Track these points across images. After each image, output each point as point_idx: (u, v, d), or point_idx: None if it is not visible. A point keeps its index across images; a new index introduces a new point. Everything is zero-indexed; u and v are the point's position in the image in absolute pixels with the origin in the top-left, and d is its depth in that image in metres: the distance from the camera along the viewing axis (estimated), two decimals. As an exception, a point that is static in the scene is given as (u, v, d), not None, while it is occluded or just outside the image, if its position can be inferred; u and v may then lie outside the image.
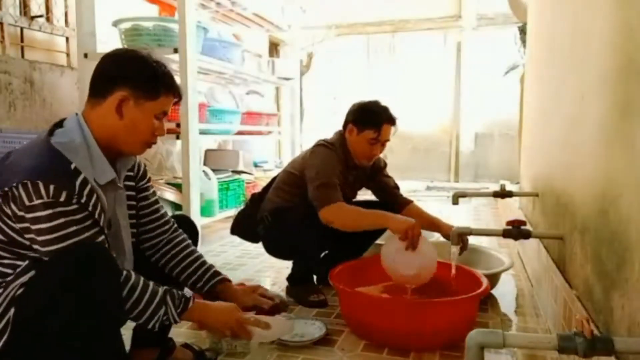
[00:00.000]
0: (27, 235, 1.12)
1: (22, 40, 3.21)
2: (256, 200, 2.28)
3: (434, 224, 2.25)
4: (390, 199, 2.34)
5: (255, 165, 5.38)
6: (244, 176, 4.24)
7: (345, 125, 2.17)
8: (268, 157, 5.72)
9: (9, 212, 1.11)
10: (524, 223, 1.82)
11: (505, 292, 2.28)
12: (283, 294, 2.21)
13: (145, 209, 1.45)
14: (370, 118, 2.09)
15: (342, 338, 1.76)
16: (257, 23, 4.67)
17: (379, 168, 2.35)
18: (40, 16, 3.25)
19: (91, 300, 1.07)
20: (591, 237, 1.35)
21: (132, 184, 1.42)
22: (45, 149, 1.14)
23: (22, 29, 3.20)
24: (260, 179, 4.27)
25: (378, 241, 2.40)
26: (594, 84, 1.41)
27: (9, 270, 1.15)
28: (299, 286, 2.17)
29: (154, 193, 1.49)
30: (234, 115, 3.78)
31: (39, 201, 1.07)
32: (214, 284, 1.48)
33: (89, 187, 1.15)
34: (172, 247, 1.48)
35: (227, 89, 4.22)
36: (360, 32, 7.57)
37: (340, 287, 1.80)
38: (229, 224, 2.38)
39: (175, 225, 1.52)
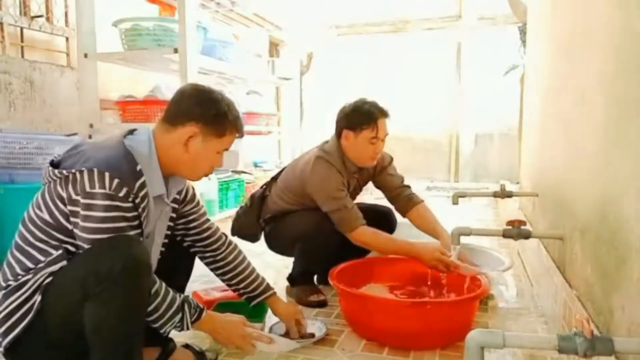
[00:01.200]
0: (72, 219, 1.16)
1: (22, 40, 3.21)
2: (257, 200, 2.27)
3: (435, 232, 2.16)
4: (393, 199, 2.28)
5: (255, 165, 5.38)
6: (244, 176, 4.24)
7: (339, 133, 2.11)
8: (268, 157, 5.72)
9: (63, 194, 1.16)
10: (524, 223, 1.82)
11: (505, 292, 2.28)
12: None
13: (197, 228, 1.57)
14: (363, 117, 2.04)
15: (342, 338, 1.76)
16: (257, 23, 4.68)
17: (383, 167, 2.27)
18: (40, 16, 3.25)
19: (124, 296, 1.12)
20: (591, 237, 1.35)
21: (176, 206, 1.49)
22: (118, 146, 1.22)
23: (22, 29, 3.19)
24: (260, 179, 4.27)
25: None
26: (594, 84, 1.41)
27: (40, 257, 1.18)
28: (299, 286, 2.17)
29: (204, 214, 1.60)
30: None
31: (100, 190, 1.13)
32: (264, 298, 1.67)
33: (145, 190, 1.23)
34: (226, 262, 1.61)
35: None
36: (360, 32, 7.57)
37: (341, 287, 1.80)
38: (229, 224, 2.37)
39: (229, 240, 1.65)
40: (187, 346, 1.58)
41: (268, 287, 1.67)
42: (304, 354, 1.63)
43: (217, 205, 3.64)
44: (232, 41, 3.79)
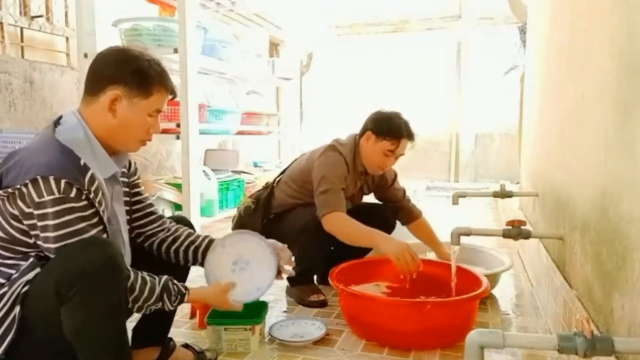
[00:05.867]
0: (32, 232, 1.12)
1: (22, 40, 3.21)
2: (263, 202, 2.25)
3: (434, 244, 2.33)
4: (396, 210, 2.36)
5: (255, 165, 5.38)
6: (244, 176, 4.24)
7: (363, 131, 2.15)
8: (268, 157, 5.71)
9: (14, 211, 1.11)
10: (524, 223, 1.82)
11: (505, 292, 2.28)
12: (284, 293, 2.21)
13: (140, 203, 1.46)
14: (391, 130, 2.07)
15: (342, 338, 1.76)
16: (257, 23, 4.68)
17: (388, 181, 2.34)
18: (40, 16, 3.25)
19: (99, 298, 1.08)
20: (591, 237, 1.35)
21: (126, 180, 1.42)
22: (53, 145, 1.14)
23: (22, 29, 3.20)
24: (260, 179, 4.27)
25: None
26: (594, 84, 1.41)
27: (11, 271, 1.14)
28: (299, 286, 2.17)
29: (143, 188, 1.51)
30: (234, 115, 3.78)
31: (50, 197, 1.07)
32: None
33: (96, 183, 1.16)
34: (171, 233, 1.49)
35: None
36: (360, 32, 7.57)
37: (340, 287, 1.80)
38: (229, 224, 2.37)
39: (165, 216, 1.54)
40: (187, 346, 1.58)
41: (212, 240, 1.53)
42: (304, 354, 1.63)
43: (217, 205, 3.64)
44: (232, 41, 3.79)
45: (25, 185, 1.07)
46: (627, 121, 1.09)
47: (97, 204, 1.16)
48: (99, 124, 1.22)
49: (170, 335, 1.54)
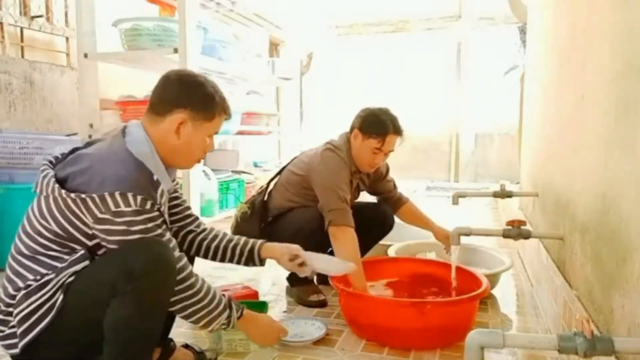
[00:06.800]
0: (100, 235, 1.17)
1: (22, 40, 3.22)
2: (259, 205, 2.24)
3: (428, 225, 2.34)
4: (384, 199, 2.39)
5: (255, 165, 5.37)
6: (244, 176, 4.24)
7: (351, 129, 2.14)
8: (268, 157, 5.71)
9: (84, 216, 1.16)
10: (524, 223, 1.82)
11: (505, 292, 2.28)
12: (283, 293, 2.22)
13: (179, 207, 1.56)
14: (376, 126, 2.05)
15: (342, 338, 1.76)
16: (257, 23, 4.68)
17: (382, 175, 2.34)
18: (40, 16, 3.25)
19: (151, 297, 1.16)
20: (591, 237, 1.35)
21: (172, 192, 1.52)
22: (127, 157, 1.22)
23: (22, 29, 3.20)
24: (260, 179, 4.27)
25: (382, 242, 2.40)
26: (594, 84, 1.41)
27: (55, 263, 1.19)
28: (299, 286, 2.17)
29: (181, 192, 1.62)
30: (234, 115, 3.77)
31: (128, 209, 1.15)
32: (260, 247, 1.61)
33: (165, 197, 1.28)
34: (211, 239, 1.59)
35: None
36: (360, 32, 7.57)
37: (340, 287, 1.80)
38: (229, 224, 2.37)
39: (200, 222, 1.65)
40: (187, 346, 1.58)
41: (255, 240, 1.64)
42: (304, 354, 1.63)
43: (217, 205, 3.64)
44: (232, 41, 3.79)
45: (102, 197, 1.13)
46: (627, 121, 1.09)
47: (163, 212, 1.26)
48: (163, 143, 1.30)
49: (170, 335, 1.54)
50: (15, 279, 1.20)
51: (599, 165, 1.31)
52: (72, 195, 1.15)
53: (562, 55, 1.94)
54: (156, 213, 1.21)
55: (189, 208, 1.59)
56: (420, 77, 7.29)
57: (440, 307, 1.72)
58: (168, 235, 1.25)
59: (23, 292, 1.17)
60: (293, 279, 2.21)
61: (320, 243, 2.07)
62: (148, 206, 1.18)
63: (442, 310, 1.71)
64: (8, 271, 1.22)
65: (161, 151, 1.30)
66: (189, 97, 1.29)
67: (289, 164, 2.31)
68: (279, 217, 2.15)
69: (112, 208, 1.14)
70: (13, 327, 1.18)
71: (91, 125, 3.16)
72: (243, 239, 1.63)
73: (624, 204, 1.09)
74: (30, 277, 1.18)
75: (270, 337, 1.54)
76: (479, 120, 7.13)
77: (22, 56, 3.20)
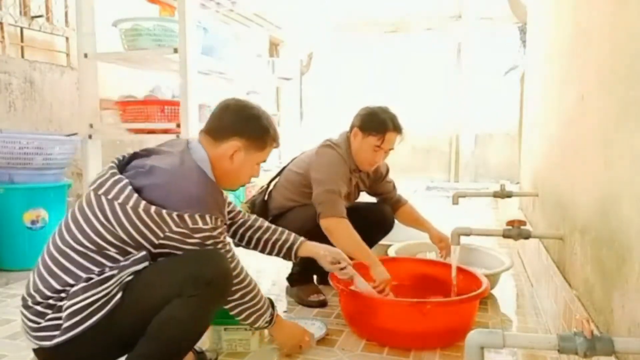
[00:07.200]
0: (169, 244, 1.25)
1: (22, 40, 3.21)
2: (259, 205, 2.25)
3: (425, 228, 2.34)
4: (384, 200, 2.39)
5: (255, 165, 5.36)
6: (244, 176, 4.23)
7: (351, 128, 2.15)
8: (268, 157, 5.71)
9: (158, 227, 1.22)
10: (524, 223, 1.82)
11: (505, 292, 2.28)
12: (283, 294, 2.22)
13: (233, 210, 1.69)
14: (376, 124, 2.05)
15: (342, 338, 1.77)
16: (257, 23, 4.68)
17: (382, 175, 2.34)
18: (40, 16, 3.25)
19: (209, 306, 1.26)
20: (591, 237, 1.35)
21: None
22: (201, 178, 1.33)
23: (22, 29, 3.20)
24: (260, 179, 4.26)
25: (382, 242, 2.40)
26: (594, 84, 1.41)
27: (115, 262, 1.22)
28: (299, 286, 2.17)
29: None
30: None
31: (205, 226, 1.27)
32: (300, 244, 1.71)
33: (227, 210, 1.46)
34: (254, 229, 1.70)
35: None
36: (360, 32, 7.57)
37: (340, 287, 1.80)
38: (228, 224, 2.37)
39: (245, 213, 1.76)
40: (187, 346, 1.58)
41: (297, 237, 1.73)
42: (304, 354, 1.63)
43: (217, 205, 3.63)
44: (232, 41, 3.79)
45: (181, 216, 1.23)
46: (627, 121, 1.09)
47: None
48: (218, 165, 1.40)
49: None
50: (61, 274, 1.20)
51: (599, 165, 1.31)
52: (153, 209, 1.21)
53: (562, 56, 1.94)
54: (225, 227, 1.38)
55: (231, 203, 1.69)
56: (420, 77, 7.29)
57: (440, 307, 1.72)
58: (229, 243, 1.39)
59: (82, 284, 1.16)
60: (293, 279, 2.21)
61: (319, 241, 2.07)
62: (219, 222, 1.31)
63: (442, 310, 1.70)
64: (51, 264, 1.22)
65: (215, 172, 1.40)
66: (245, 127, 1.41)
67: (289, 164, 2.31)
68: (278, 217, 2.15)
69: (190, 225, 1.24)
70: (52, 319, 1.17)
71: (91, 125, 3.15)
72: (285, 234, 1.72)
73: (624, 204, 1.09)
74: (96, 269, 1.20)
75: (292, 348, 1.61)
76: (479, 120, 7.14)
77: (22, 56, 3.20)
